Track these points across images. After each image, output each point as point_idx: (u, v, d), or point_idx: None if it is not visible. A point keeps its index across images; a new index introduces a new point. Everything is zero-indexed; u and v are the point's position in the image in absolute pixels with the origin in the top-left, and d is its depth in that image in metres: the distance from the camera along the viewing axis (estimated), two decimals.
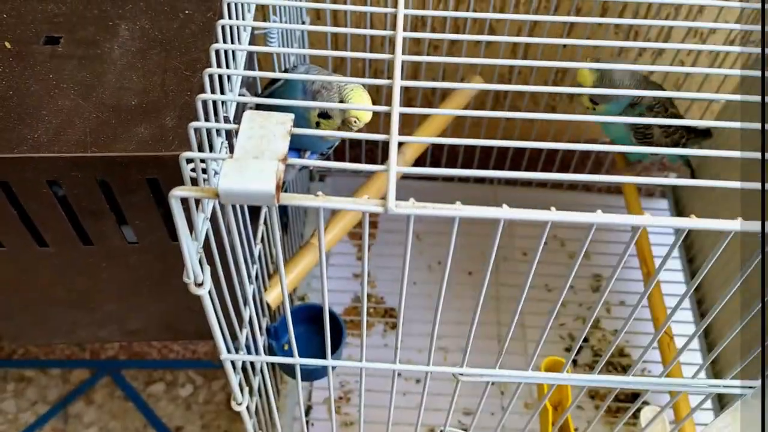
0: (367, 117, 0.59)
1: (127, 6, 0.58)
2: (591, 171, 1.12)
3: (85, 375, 1.02)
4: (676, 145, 0.80)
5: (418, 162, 0.78)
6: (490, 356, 0.56)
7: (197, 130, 0.43)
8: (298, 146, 0.66)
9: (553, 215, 0.39)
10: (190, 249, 0.41)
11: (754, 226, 0.38)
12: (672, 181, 0.40)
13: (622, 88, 0.72)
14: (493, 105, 1.05)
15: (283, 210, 0.84)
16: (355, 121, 0.58)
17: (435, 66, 1.01)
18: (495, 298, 1.00)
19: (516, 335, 0.95)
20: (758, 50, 0.46)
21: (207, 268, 0.44)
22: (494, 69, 1.00)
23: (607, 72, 0.72)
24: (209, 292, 0.44)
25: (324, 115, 0.59)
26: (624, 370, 0.96)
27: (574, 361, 0.98)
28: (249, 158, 0.38)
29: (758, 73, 0.44)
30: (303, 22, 0.88)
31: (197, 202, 0.42)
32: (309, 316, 0.71)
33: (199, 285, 0.43)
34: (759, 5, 0.46)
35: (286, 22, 0.78)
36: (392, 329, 1.00)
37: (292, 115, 0.41)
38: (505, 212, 0.38)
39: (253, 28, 0.66)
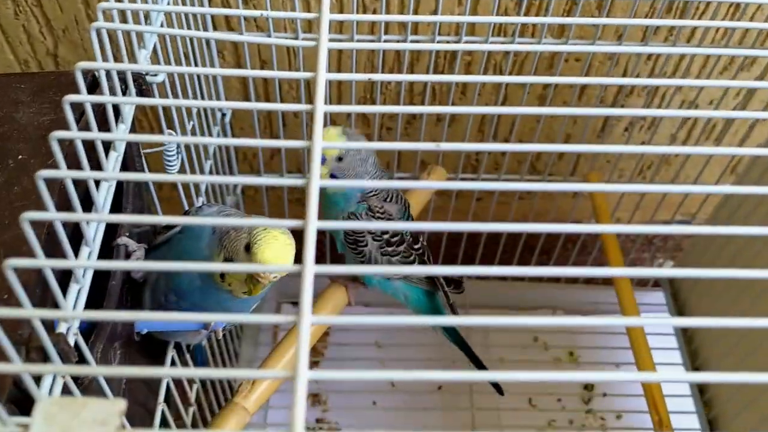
0: (278, 265, 0.45)
1: None
2: (576, 258, 0.98)
3: None
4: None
5: None
6: None
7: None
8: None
9: None
10: None
11: None
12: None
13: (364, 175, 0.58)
14: (459, 192, 0.92)
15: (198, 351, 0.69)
16: (264, 276, 0.45)
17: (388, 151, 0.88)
18: (469, 412, 0.86)
19: None
20: None
21: None
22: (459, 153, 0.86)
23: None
24: None
25: (229, 258, 0.47)
26: None
27: None
28: None
29: None
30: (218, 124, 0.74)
31: None
32: None
33: None
34: None
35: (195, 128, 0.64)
36: None
37: (123, 405, 0.26)
38: None
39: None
